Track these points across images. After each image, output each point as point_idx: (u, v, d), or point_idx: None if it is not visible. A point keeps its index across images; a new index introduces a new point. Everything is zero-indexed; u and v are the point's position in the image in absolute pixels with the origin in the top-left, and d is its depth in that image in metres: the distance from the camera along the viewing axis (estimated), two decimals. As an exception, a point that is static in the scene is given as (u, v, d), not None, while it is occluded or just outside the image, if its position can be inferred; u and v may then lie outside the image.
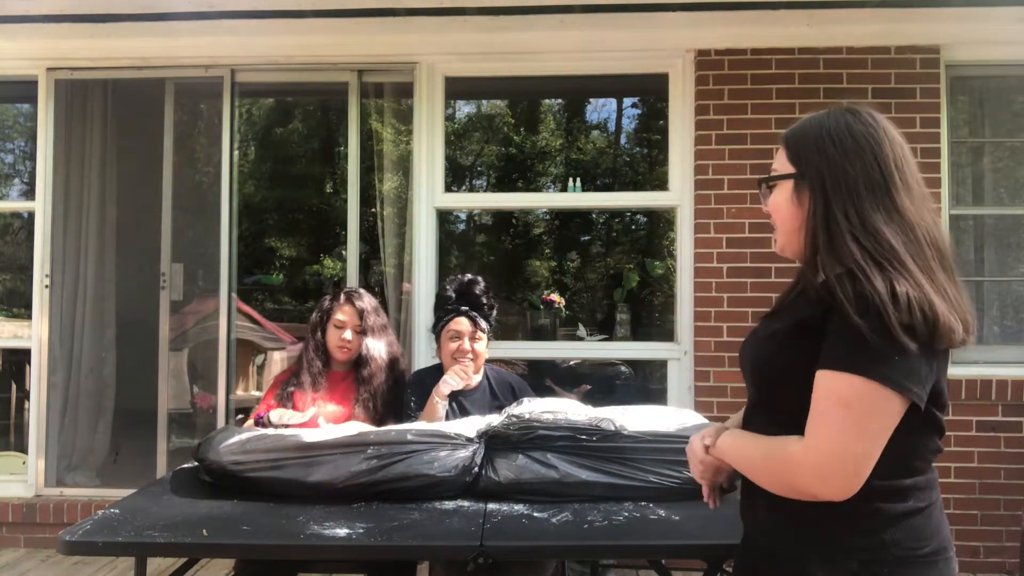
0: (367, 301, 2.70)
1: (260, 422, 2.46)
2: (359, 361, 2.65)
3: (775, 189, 1.24)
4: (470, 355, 2.60)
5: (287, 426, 2.35)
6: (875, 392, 1.02)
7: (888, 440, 1.05)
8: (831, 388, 1.05)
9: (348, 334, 2.63)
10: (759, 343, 1.24)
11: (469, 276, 2.70)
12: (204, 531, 1.74)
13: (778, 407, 1.18)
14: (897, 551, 1.09)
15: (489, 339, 2.71)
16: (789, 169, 1.22)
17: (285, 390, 2.62)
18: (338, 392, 2.64)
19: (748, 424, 1.27)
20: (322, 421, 2.47)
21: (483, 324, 2.64)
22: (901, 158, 1.15)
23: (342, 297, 2.70)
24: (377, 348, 2.66)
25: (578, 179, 3.91)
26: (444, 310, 2.69)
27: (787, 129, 1.28)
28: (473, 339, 2.62)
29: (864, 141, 1.15)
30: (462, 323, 2.62)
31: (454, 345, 2.62)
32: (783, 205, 1.22)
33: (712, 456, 1.29)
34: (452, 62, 3.75)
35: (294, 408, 2.57)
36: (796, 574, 1.13)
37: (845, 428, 1.03)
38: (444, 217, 4.08)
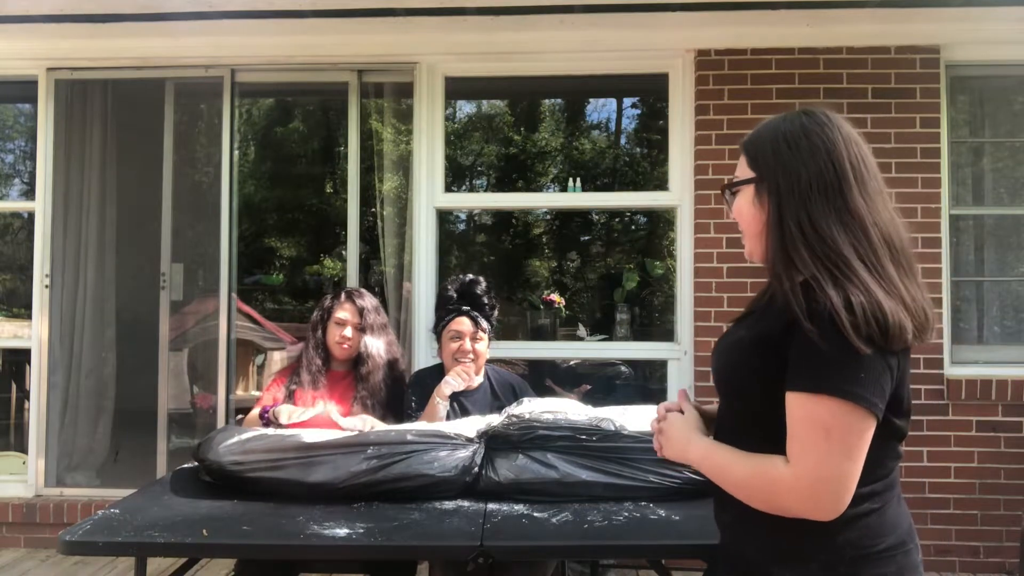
0: (368, 300, 2.73)
1: (265, 418, 2.46)
2: (358, 359, 2.67)
3: (739, 195, 1.25)
4: (471, 355, 2.61)
5: (296, 424, 2.36)
6: (851, 413, 1.04)
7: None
8: (807, 411, 1.06)
9: (348, 331, 2.64)
10: (724, 351, 1.25)
11: (471, 276, 2.70)
12: (204, 531, 1.74)
13: (743, 415, 1.19)
14: (852, 551, 1.10)
15: (491, 339, 2.71)
16: (748, 174, 1.23)
17: (288, 387, 2.62)
18: (337, 391, 2.65)
19: (719, 430, 1.27)
20: (332, 409, 2.47)
21: (484, 324, 2.65)
22: (857, 156, 1.16)
23: (343, 295, 2.72)
24: (376, 346, 2.67)
25: (578, 179, 3.91)
26: (445, 310, 2.70)
27: (748, 136, 1.28)
28: (474, 339, 2.62)
29: (818, 140, 1.16)
30: (463, 323, 2.62)
31: (455, 345, 2.62)
32: (745, 210, 1.24)
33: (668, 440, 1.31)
34: (452, 62, 3.75)
35: (295, 405, 2.58)
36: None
37: (830, 452, 1.04)
38: (444, 217, 4.08)
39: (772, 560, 1.15)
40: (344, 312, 2.68)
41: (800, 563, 1.12)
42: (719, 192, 3.46)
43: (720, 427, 1.27)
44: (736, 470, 1.15)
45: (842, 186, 1.13)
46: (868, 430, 1.06)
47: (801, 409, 1.06)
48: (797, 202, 1.13)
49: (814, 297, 1.05)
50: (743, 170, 1.24)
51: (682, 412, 1.32)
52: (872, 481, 1.11)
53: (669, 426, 1.31)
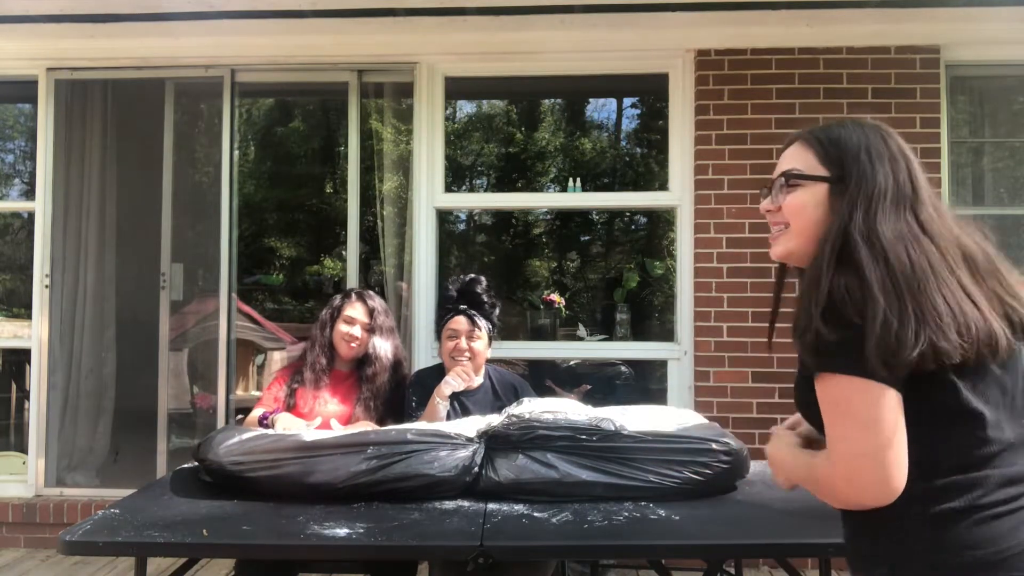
0: (378, 302, 2.74)
1: (264, 424, 2.46)
2: (364, 359, 2.67)
3: (796, 189, 1.18)
4: (467, 354, 2.60)
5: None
6: (851, 384, 1.02)
7: (910, 439, 1.02)
8: (821, 396, 1.07)
9: (357, 330, 2.64)
10: (796, 386, 1.24)
11: (472, 275, 2.70)
12: (204, 531, 1.74)
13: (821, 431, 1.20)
14: (931, 557, 1.03)
15: (492, 338, 2.70)
16: (821, 171, 1.16)
17: (290, 385, 2.62)
18: (340, 391, 2.65)
19: None
20: (334, 423, 2.47)
21: (481, 323, 2.63)
22: (922, 175, 1.15)
23: (354, 295, 2.74)
24: (383, 348, 2.67)
25: (578, 179, 3.91)
26: (445, 309, 2.70)
27: (814, 128, 1.22)
28: (470, 338, 2.61)
29: (900, 155, 1.14)
30: (460, 322, 2.62)
31: (451, 344, 2.62)
32: (809, 209, 1.16)
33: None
34: (452, 62, 3.75)
35: (296, 405, 2.58)
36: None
37: (850, 428, 1.02)
38: (444, 217, 4.08)
39: (852, 564, 1.15)
40: (354, 311, 2.67)
41: (871, 565, 1.10)
42: (720, 192, 3.49)
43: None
44: (797, 469, 1.19)
45: (916, 201, 1.11)
46: (881, 400, 1.00)
47: (819, 395, 1.07)
48: (877, 208, 1.09)
49: (848, 292, 1.03)
50: (811, 165, 1.18)
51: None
52: (951, 472, 1.03)
53: (768, 447, 1.32)
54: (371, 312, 2.68)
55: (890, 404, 1.02)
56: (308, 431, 2.28)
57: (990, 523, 1.02)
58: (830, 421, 1.06)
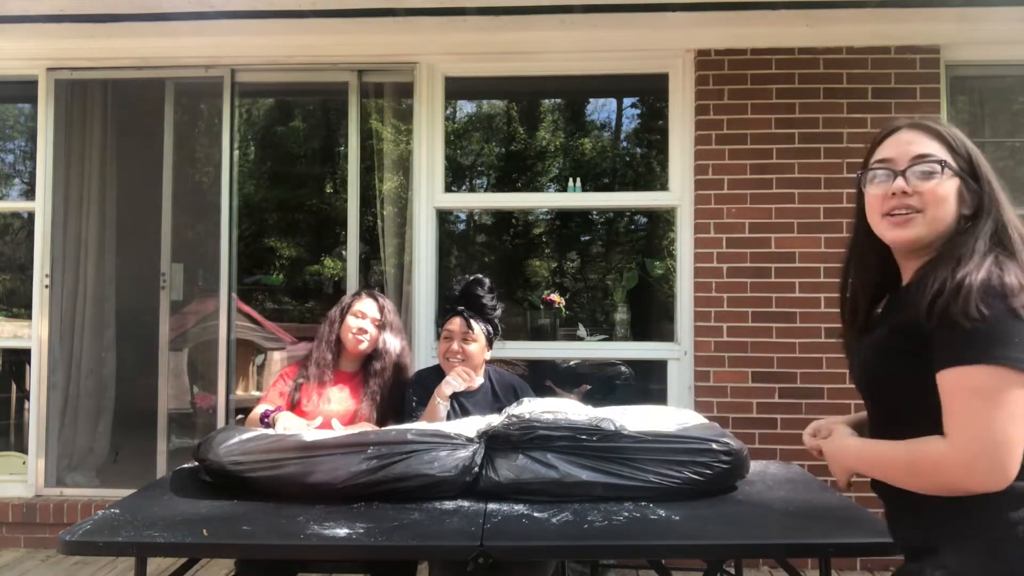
0: (388, 301, 2.77)
1: (265, 423, 2.46)
2: (373, 355, 2.67)
3: (935, 178, 1.22)
4: (459, 355, 2.60)
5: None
6: (1006, 377, 1.04)
7: None
8: (959, 384, 1.07)
9: (367, 324, 2.65)
10: (865, 362, 1.27)
11: (475, 277, 2.70)
12: (204, 531, 1.74)
13: (898, 414, 1.21)
14: (1021, 528, 1.08)
15: (492, 340, 2.70)
16: (956, 165, 1.24)
17: (296, 380, 2.62)
18: (345, 389, 2.64)
19: (873, 435, 1.30)
20: (335, 423, 2.47)
21: (477, 326, 2.62)
22: None
23: (364, 293, 2.76)
24: (393, 344, 2.69)
25: (578, 179, 3.91)
26: (444, 310, 2.71)
27: (925, 120, 1.28)
28: (464, 340, 2.61)
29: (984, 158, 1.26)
30: (455, 323, 2.62)
31: (446, 345, 2.62)
32: (952, 197, 1.22)
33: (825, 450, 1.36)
34: (452, 62, 3.75)
35: (300, 401, 2.57)
36: (932, 562, 1.14)
37: (984, 420, 1.05)
38: (444, 217, 4.08)
39: (939, 540, 1.14)
40: (364, 305, 2.69)
41: (968, 542, 1.11)
42: (720, 192, 3.49)
43: (874, 432, 1.30)
44: (895, 459, 1.18)
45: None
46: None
47: (956, 383, 1.08)
48: (1003, 201, 1.21)
49: (992, 280, 1.08)
50: (949, 157, 1.24)
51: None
52: None
53: (827, 444, 1.34)
54: (381, 309, 2.70)
55: None
56: (308, 431, 2.28)
57: None
58: (968, 408, 1.06)
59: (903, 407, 1.20)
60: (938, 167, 1.21)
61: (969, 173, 1.22)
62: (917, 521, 1.18)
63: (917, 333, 1.13)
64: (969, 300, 1.07)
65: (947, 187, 1.22)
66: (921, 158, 1.23)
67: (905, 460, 1.15)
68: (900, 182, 1.23)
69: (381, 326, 2.68)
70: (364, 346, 2.65)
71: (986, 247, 1.14)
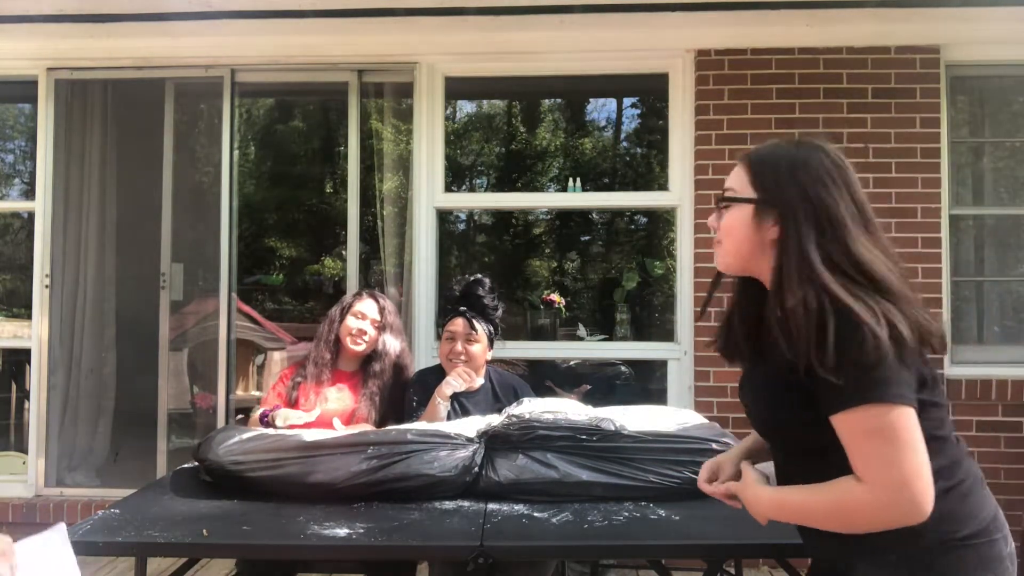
0: (389, 302, 2.76)
1: (265, 421, 2.46)
2: (373, 355, 2.67)
3: (730, 209, 1.25)
4: (463, 356, 2.60)
5: (291, 427, 2.36)
6: (893, 411, 1.06)
7: None
8: (858, 424, 1.08)
9: (366, 325, 2.65)
10: (756, 391, 1.29)
11: (476, 276, 2.70)
12: (204, 531, 1.74)
13: (799, 453, 1.23)
14: (930, 538, 1.11)
15: (493, 340, 2.70)
16: (751, 193, 1.22)
17: (294, 379, 2.62)
18: (343, 389, 2.64)
19: (784, 475, 1.30)
20: (336, 423, 2.47)
21: (479, 326, 2.62)
22: (863, 194, 1.20)
23: (365, 293, 2.76)
24: (393, 345, 2.68)
25: (578, 179, 3.91)
26: (445, 310, 2.70)
27: (750, 151, 1.28)
28: (467, 341, 2.61)
29: (838, 175, 1.18)
30: (458, 324, 2.62)
31: (448, 346, 2.62)
32: (737, 228, 1.23)
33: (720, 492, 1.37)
34: (452, 62, 3.75)
35: (298, 401, 2.57)
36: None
37: (895, 453, 1.06)
38: (444, 217, 4.08)
39: (854, 556, 1.16)
40: (364, 306, 2.68)
41: (881, 555, 1.14)
42: (719, 192, 3.48)
43: (781, 473, 1.30)
44: (815, 508, 1.16)
45: (864, 219, 1.17)
46: (914, 420, 1.07)
47: (852, 425, 1.08)
48: (826, 226, 1.15)
49: (842, 319, 1.07)
50: (743, 186, 1.24)
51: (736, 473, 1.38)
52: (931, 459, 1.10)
53: (741, 492, 1.32)
54: (382, 310, 2.69)
55: (917, 422, 1.08)
56: (309, 432, 2.28)
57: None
58: (869, 450, 1.07)
59: (806, 446, 1.20)
60: (723, 202, 1.26)
61: (765, 200, 1.20)
62: (833, 538, 1.17)
63: (798, 376, 1.12)
64: (813, 348, 1.07)
65: (733, 218, 1.24)
66: (722, 192, 1.28)
67: (824, 509, 1.14)
68: (712, 217, 1.30)
69: (381, 327, 2.68)
70: (362, 348, 2.65)
71: (796, 279, 1.12)
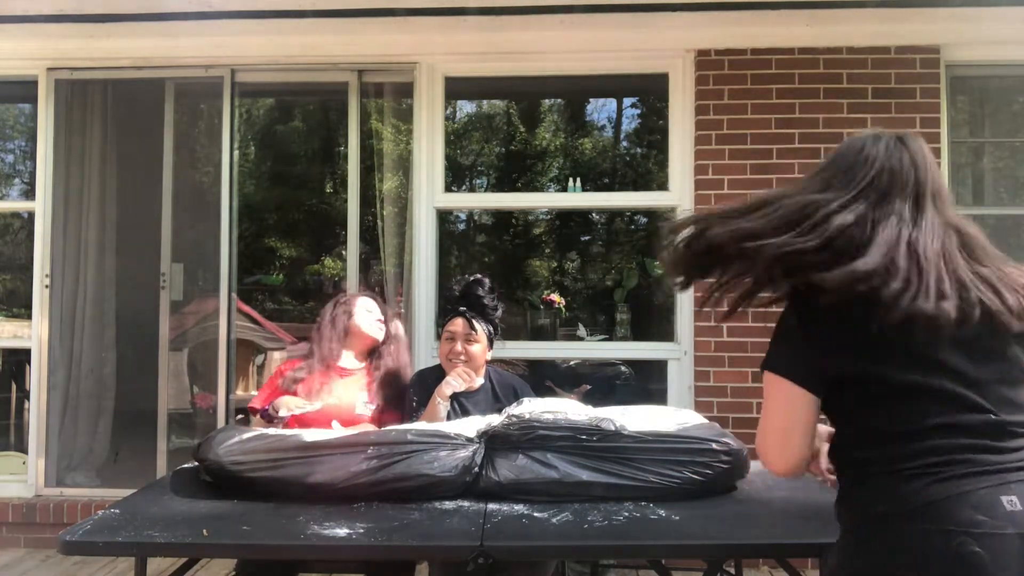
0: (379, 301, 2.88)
1: (267, 415, 2.45)
2: (381, 345, 2.75)
3: None
4: (462, 356, 2.59)
5: (292, 419, 2.35)
6: (768, 378, 1.27)
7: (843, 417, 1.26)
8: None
9: (376, 314, 2.75)
10: None
11: (475, 276, 2.69)
12: (204, 531, 1.74)
13: None
14: (857, 512, 1.22)
15: (493, 340, 2.69)
16: None
17: (293, 375, 2.60)
18: (348, 385, 2.64)
19: None
20: (335, 424, 2.46)
21: (479, 326, 2.62)
22: None
23: (362, 291, 2.92)
24: (400, 329, 2.82)
25: (578, 179, 3.91)
26: (445, 310, 2.70)
27: None
28: (467, 341, 2.60)
29: None
30: (457, 324, 2.62)
31: (448, 346, 2.61)
32: None
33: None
34: (452, 62, 3.75)
35: (296, 395, 2.55)
36: (824, 562, 1.33)
37: (763, 414, 1.30)
38: (444, 217, 4.08)
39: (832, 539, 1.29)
40: (368, 303, 2.78)
41: (839, 523, 1.27)
42: (720, 192, 3.49)
43: None
44: None
45: None
46: (783, 392, 1.25)
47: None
48: None
49: None
50: None
51: None
52: (864, 445, 1.21)
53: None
54: (380, 305, 2.81)
55: (789, 396, 1.29)
56: (309, 432, 2.27)
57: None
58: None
59: None
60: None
61: None
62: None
63: None
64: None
65: None
66: None
67: None
68: None
69: (384, 320, 2.78)
70: (383, 333, 2.74)
71: None
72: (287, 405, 2.41)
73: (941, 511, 1.11)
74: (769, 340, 1.29)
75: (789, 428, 1.25)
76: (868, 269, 1.13)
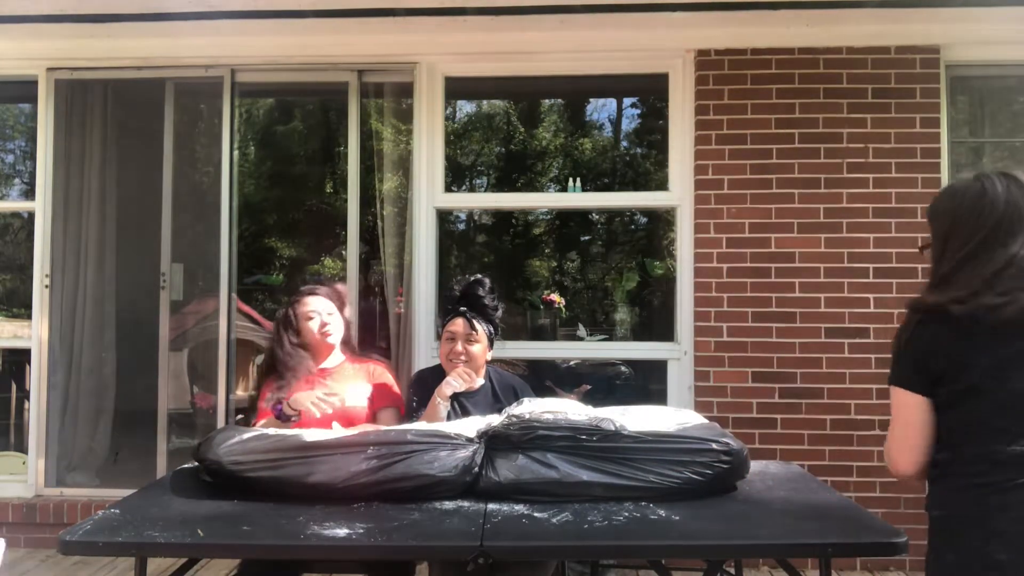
0: (318, 287, 2.72)
1: (279, 412, 2.42)
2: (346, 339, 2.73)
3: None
4: (463, 356, 2.59)
5: (303, 424, 2.32)
6: (893, 391, 1.46)
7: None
8: None
9: (321, 318, 2.63)
10: None
11: (476, 276, 2.69)
12: (199, 531, 1.73)
13: None
14: (932, 510, 1.44)
15: (493, 340, 2.69)
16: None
17: (274, 396, 2.52)
18: (338, 383, 2.62)
19: None
20: (335, 424, 2.44)
21: (480, 326, 2.62)
22: None
23: (303, 294, 2.69)
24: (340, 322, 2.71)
25: (578, 179, 3.91)
26: (445, 310, 2.70)
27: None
28: (468, 341, 2.60)
29: None
30: (458, 324, 2.61)
31: (448, 346, 2.61)
32: None
33: None
34: (452, 62, 3.75)
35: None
36: None
37: (891, 422, 1.49)
38: (444, 217, 4.08)
39: None
40: (309, 307, 2.64)
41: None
42: (720, 192, 3.49)
43: None
44: None
45: None
46: (907, 402, 1.43)
47: None
48: None
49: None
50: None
51: None
52: (938, 449, 1.43)
53: None
54: (325, 296, 2.67)
55: (910, 404, 1.48)
56: (309, 432, 2.26)
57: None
58: None
59: None
60: None
61: None
62: None
63: None
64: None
65: None
66: None
67: None
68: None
69: (341, 306, 2.69)
70: (334, 337, 2.65)
71: None
72: (299, 401, 2.38)
73: (978, 525, 1.36)
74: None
75: None
76: None
